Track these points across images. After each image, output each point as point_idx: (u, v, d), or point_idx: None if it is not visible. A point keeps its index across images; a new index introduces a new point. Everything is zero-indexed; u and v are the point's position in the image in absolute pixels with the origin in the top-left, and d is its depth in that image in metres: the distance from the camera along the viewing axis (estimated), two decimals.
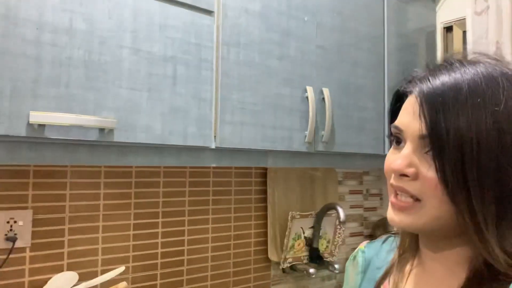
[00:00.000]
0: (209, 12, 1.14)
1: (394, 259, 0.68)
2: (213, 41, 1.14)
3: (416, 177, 0.54)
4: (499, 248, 0.50)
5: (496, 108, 0.50)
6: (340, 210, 1.49)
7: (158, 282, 1.34)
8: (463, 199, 0.50)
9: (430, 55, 1.79)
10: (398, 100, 0.62)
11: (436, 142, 0.51)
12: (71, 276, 1.12)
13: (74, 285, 1.10)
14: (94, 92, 0.94)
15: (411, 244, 0.66)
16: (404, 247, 0.67)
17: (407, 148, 0.55)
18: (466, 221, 0.51)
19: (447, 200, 0.51)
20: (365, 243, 0.79)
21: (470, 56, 0.58)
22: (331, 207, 1.57)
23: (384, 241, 0.75)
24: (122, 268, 1.13)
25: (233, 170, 1.53)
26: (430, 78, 0.55)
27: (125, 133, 0.98)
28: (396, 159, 0.55)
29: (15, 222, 1.10)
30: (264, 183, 1.60)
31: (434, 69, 0.57)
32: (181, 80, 1.08)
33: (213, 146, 1.13)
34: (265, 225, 1.60)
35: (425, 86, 0.55)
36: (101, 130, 0.95)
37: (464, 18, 1.70)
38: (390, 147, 0.62)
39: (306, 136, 1.31)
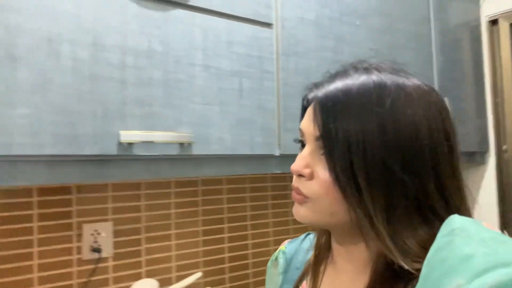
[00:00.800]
0: (268, 25, 1.18)
1: (311, 259, 0.69)
2: (273, 52, 1.19)
3: (311, 177, 0.57)
4: (392, 243, 0.51)
5: (381, 110, 0.52)
6: None
7: (227, 285, 1.40)
8: (354, 196, 0.52)
9: (475, 50, 1.79)
10: (306, 106, 0.64)
11: (327, 143, 0.55)
12: (152, 283, 1.19)
13: None
14: (172, 109, 1.00)
15: (325, 243, 0.67)
16: (319, 246, 0.68)
17: (306, 149, 0.59)
18: (359, 217, 0.53)
19: (341, 198, 0.54)
20: (286, 242, 0.80)
21: (373, 65, 0.60)
22: None
23: (303, 240, 0.76)
24: (199, 274, 1.18)
25: (288, 175, 1.57)
26: (325, 84, 0.59)
27: (201, 146, 1.04)
28: (296, 160, 0.59)
29: (98, 234, 1.17)
30: None
31: (330, 76, 0.61)
32: (247, 93, 1.13)
33: (277, 154, 1.18)
34: None
35: (320, 92, 0.58)
36: (181, 144, 1.00)
37: (511, 10, 1.70)
38: None
39: None
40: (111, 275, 1.19)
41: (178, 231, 1.31)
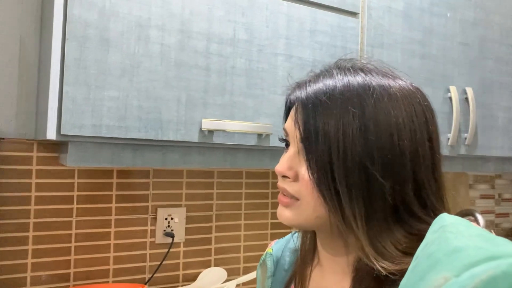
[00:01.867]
0: (354, 14, 1.13)
1: (298, 260, 0.68)
2: (358, 43, 1.13)
3: (296, 178, 0.56)
4: (371, 247, 0.51)
5: (362, 112, 0.52)
6: (480, 218, 1.41)
7: None
8: (333, 199, 0.52)
9: None
10: (290, 106, 0.62)
11: (308, 145, 0.54)
12: (220, 272, 1.19)
13: (224, 282, 1.16)
14: (253, 99, 0.98)
15: (310, 244, 0.67)
16: (304, 248, 0.68)
17: (290, 151, 0.58)
18: (338, 219, 0.52)
19: (322, 200, 0.53)
20: (272, 243, 0.79)
21: (358, 64, 0.59)
22: (468, 213, 1.49)
23: (289, 240, 0.75)
24: None
25: None
26: (308, 85, 0.58)
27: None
28: (280, 161, 0.58)
29: (172, 219, 1.18)
30: None
31: (313, 76, 0.60)
32: None
33: None
34: None
35: (302, 93, 0.57)
36: (259, 135, 0.98)
37: None
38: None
39: (449, 139, 1.25)
40: (181, 260, 1.20)
41: (247, 222, 1.30)
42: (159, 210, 1.17)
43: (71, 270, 1.07)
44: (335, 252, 0.59)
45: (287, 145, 0.61)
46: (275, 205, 1.35)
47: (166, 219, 1.18)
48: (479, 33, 1.34)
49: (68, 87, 0.80)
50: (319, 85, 0.56)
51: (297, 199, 0.56)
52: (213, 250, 1.25)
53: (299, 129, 0.55)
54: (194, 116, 0.91)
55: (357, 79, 0.55)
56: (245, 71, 0.97)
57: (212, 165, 0.96)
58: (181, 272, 1.20)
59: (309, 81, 0.59)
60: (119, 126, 0.84)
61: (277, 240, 0.79)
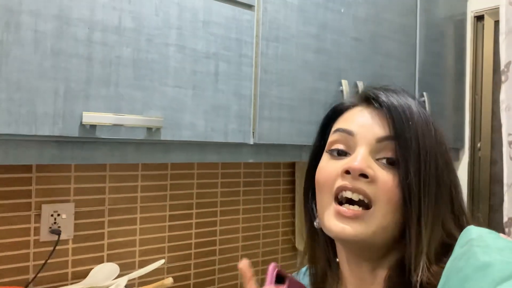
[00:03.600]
0: (249, 7, 1.12)
1: None
2: (253, 36, 1.13)
3: (374, 179, 0.54)
4: (426, 257, 0.51)
5: (431, 126, 0.57)
6: None
7: (192, 271, 1.37)
8: (416, 205, 0.52)
9: (458, 45, 1.77)
10: (331, 117, 0.63)
11: (403, 146, 0.53)
12: (112, 267, 1.15)
13: (116, 278, 1.12)
14: (142, 91, 0.94)
15: (331, 276, 0.64)
16: (317, 279, 0.66)
17: (362, 151, 0.55)
18: (413, 223, 0.52)
19: (398, 207, 0.53)
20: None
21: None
22: None
23: (304, 274, 0.72)
24: (162, 261, 1.15)
25: (263, 162, 1.54)
26: (383, 93, 0.58)
27: (171, 131, 0.99)
28: (352, 160, 0.55)
29: (58, 215, 1.11)
30: (293, 174, 1.61)
31: (376, 87, 0.61)
32: (223, 77, 1.07)
33: (251, 142, 1.13)
34: (293, 215, 1.62)
35: (383, 98, 0.57)
36: (149, 129, 0.95)
37: (497, 8, 1.67)
38: (312, 157, 0.64)
39: None
40: (70, 257, 1.14)
41: (144, 215, 1.27)
42: (44, 207, 1.10)
43: None
44: (366, 276, 0.58)
45: (339, 153, 0.58)
46: (173, 197, 1.33)
47: (52, 215, 1.11)
48: (371, 29, 1.41)
49: None
50: (395, 96, 0.57)
51: (368, 208, 0.53)
52: (105, 246, 1.20)
53: (391, 128, 0.54)
54: (74, 109, 0.86)
55: (412, 96, 0.60)
56: (132, 61, 0.93)
57: (98, 161, 0.91)
58: (70, 270, 1.14)
59: (380, 91, 0.59)
60: None
61: (293, 273, 0.75)
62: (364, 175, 0.53)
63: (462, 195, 0.57)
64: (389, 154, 0.55)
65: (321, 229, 0.60)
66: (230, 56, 1.09)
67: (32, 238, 1.09)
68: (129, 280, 1.13)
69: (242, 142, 1.11)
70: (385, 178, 0.53)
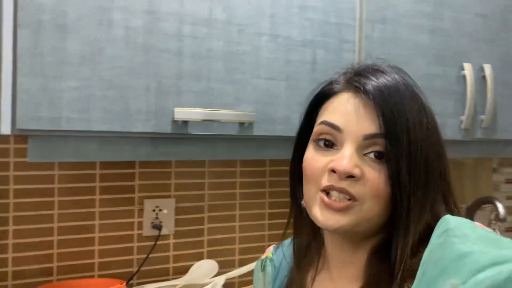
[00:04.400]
0: None
1: (294, 267, 0.66)
2: (356, 18, 1.02)
3: (361, 177, 0.52)
4: (411, 246, 0.50)
5: (424, 108, 0.55)
6: (500, 206, 1.29)
7: None
8: (405, 199, 0.51)
9: None
10: (317, 102, 0.60)
11: (392, 143, 0.51)
12: (212, 265, 1.13)
13: (215, 275, 1.11)
14: (233, 85, 0.90)
15: (315, 249, 0.64)
16: (302, 254, 0.65)
17: (349, 148, 0.53)
18: (402, 217, 0.51)
19: (385, 200, 0.52)
20: (271, 248, 0.75)
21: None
22: (487, 201, 1.37)
23: (289, 245, 0.71)
24: None
25: None
26: (368, 76, 0.55)
27: (264, 126, 0.93)
28: (339, 160, 0.52)
29: (160, 210, 1.13)
30: None
31: (365, 70, 0.57)
32: (321, 66, 0.98)
33: None
34: None
35: (369, 84, 0.54)
36: (241, 124, 0.90)
37: None
38: (298, 139, 0.62)
39: (462, 122, 1.13)
40: (171, 253, 1.16)
41: (243, 212, 1.24)
42: (146, 202, 1.12)
43: (54, 264, 1.04)
44: (352, 258, 0.58)
45: (327, 144, 0.56)
46: (272, 195, 1.28)
47: (153, 210, 1.13)
48: (500, 2, 1.19)
49: (22, 78, 0.74)
50: (383, 80, 0.54)
51: (355, 201, 0.53)
52: (205, 242, 1.19)
53: (381, 124, 0.52)
54: (165, 105, 0.84)
55: (405, 78, 0.56)
56: (223, 54, 0.89)
57: (190, 157, 0.90)
58: (171, 265, 1.16)
59: (368, 73, 0.55)
60: (81, 118, 0.78)
61: (275, 244, 0.75)
62: (351, 176, 0.52)
63: (450, 181, 0.56)
64: (377, 148, 0.53)
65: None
66: (329, 43, 0.99)
67: (135, 232, 1.12)
68: (228, 279, 1.11)
69: None
70: (373, 174, 0.52)
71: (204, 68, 0.87)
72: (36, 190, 1.03)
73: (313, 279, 0.63)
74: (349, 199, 0.53)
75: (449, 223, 0.46)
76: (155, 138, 0.86)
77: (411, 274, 0.48)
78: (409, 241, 0.50)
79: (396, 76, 0.55)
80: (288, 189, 1.29)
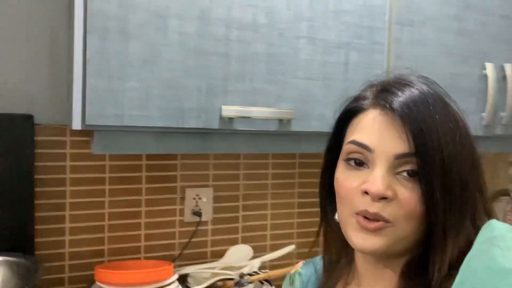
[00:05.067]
0: None
1: (323, 281, 0.66)
2: (386, 21, 1.09)
3: (394, 198, 0.51)
4: (449, 262, 0.49)
5: (455, 126, 0.53)
6: None
7: None
8: (441, 217, 0.50)
9: None
10: (344, 121, 0.59)
11: (425, 162, 0.50)
12: (246, 249, 1.23)
13: (250, 259, 1.20)
14: (274, 85, 0.98)
15: (345, 264, 0.63)
16: (330, 268, 0.65)
17: (381, 169, 0.52)
18: (438, 235, 0.50)
19: (420, 219, 0.51)
20: (301, 263, 0.75)
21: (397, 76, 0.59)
22: (504, 193, 1.44)
23: (318, 263, 0.71)
24: (292, 246, 1.19)
25: None
26: (396, 92, 0.54)
27: (301, 123, 1.01)
28: (371, 182, 0.51)
29: (200, 198, 1.22)
30: None
31: (391, 84, 0.56)
32: (353, 66, 1.06)
33: None
34: None
35: (396, 101, 0.52)
36: (280, 120, 0.98)
37: None
38: (326, 161, 0.61)
39: (483, 118, 1.20)
40: (209, 238, 1.25)
41: (274, 201, 1.33)
42: (187, 190, 1.21)
43: (105, 247, 1.14)
44: (383, 272, 0.58)
45: (358, 163, 0.55)
46: (301, 185, 1.36)
47: (194, 198, 1.22)
48: None
49: (91, 79, 0.83)
50: (411, 94, 0.53)
51: (388, 223, 0.52)
52: (240, 228, 1.29)
53: (410, 144, 0.51)
54: (214, 104, 0.92)
55: (431, 88, 0.55)
56: (265, 56, 0.97)
57: (234, 151, 0.98)
58: (209, 249, 1.25)
59: (393, 88, 0.55)
60: (141, 116, 0.87)
61: (306, 260, 0.77)
62: (384, 197, 0.51)
63: (487, 194, 0.55)
64: (409, 167, 0.51)
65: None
66: (362, 44, 1.06)
67: (177, 218, 1.21)
68: (262, 262, 1.20)
69: None
70: (406, 194, 0.51)
71: (248, 70, 0.95)
72: (89, 179, 1.12)
73: None
74: (384, 220, 0.52)
75: (494, 230, 0.45)
76: (204, 133, 0.94)
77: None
78: (447, 258, 0.50)
79: (425, 88, 0.54)
80: (315, 180, 1.37)
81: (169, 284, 1.01)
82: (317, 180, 1.40)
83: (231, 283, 1.08)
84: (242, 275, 1.07)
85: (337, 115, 0.61)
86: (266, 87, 0.97)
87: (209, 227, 1.25)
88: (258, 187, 1.31)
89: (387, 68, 1.09)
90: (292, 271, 0.75)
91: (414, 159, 0.51)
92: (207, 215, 1.24)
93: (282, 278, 1.25)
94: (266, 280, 1.12)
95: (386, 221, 0.51)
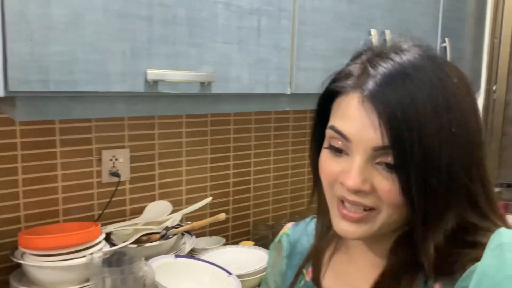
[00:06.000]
0: None
1: (314, 244, 0.67)
2: None
3: (372, 190, 0.51)
4: (434, 247, 0.50)
5: (448, 103, 0.49)
6: None
7: (231, 207, 1.52)
8: (422, 204, 0.49)
9: None
10: (328, 99, 0.56)
11: (401, 154, 0.48)
12: (165, 205, 1.29)
13: (170, 213, 1.27)
14: (195, 48, 1.02)
15: (331, 229, 0.64)
16: (322, 232, 0.66)
17: (358, 160, 0.50)
18: (418, 224, 0.50)
19: (403, 205, 0.50)
20: (289, 225, 0.77)
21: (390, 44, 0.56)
22: None
23: (308, 223, 0.73)
24: (210, 198, 1.29)
25: (291, 115, 1.64)
26: (376, 75, 0.50)
27: (220, 85, 1.08)
28: (348, 174, 0.51)
29: (116, 159, 1.24)
30: None
31: (373, 63, 0.52)
32: (264, 31, 1.14)
33: (288, 92, 1.23)
34: None
35: (374, 87, 0.50)
36: (202, 83, 1.04)
37: None
38: (313, 136, 0.60)
39: None
40: (128, 196, 1.29)
41: (188, 158, 1.40)
42: (104, 152, 1.22)
43: (21, 213, 1.11)
44: (372, 245, 0.59)
45: (337, 150, 0.53)
46: (213, 141, 1.45)
47: (110, 160, 1.23)
48: None
49: (11, 43, 0.79)
50: (393, 75, 0.50)
51: (371, 210, 0.52)
52: (157, 186, 1.34)
53: (387, 136, 0.48)
54: (139, 67, 0.94)
55: (427, 66, 0.51)
56: (186, 20, 1.00)
57: (159, 113, 1.02)
58: (128, 207, 1.29)
59: (373, 70, 0.51)
60: (66, 81, 0.86)
61: (294, 222, 0.77)
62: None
63: (486, 180, 0.53)
64: (387, 160, 0.50)
65: None
66: (271, 11, 1.15)
67: (95, 180, 1.22)
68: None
69: (280, 92, 1.20)
70: (385, 186, 0.50)
71: (170, 33, 0.98)
72: None
73: (330, 259, 0.64)
74: (365, 209, 0.52)
75: (503, 237, 0.44)
76: (129, 97, 0.96)
77: (441, 274, 0.50)
78: (430, 246, 0.50)
79: (417, 62, 0.50)
80: (225, 136, 1.46)
81: (98, 243, 1.04)
82: (228, 136, 1.50)
83: (156, 236, 1.14)
84: (167, 228, 1.14)
85: (323, 88, 0.59)
86: (188, 50, 1.01)
87: (127, 186, 1.28)
88: (173, 146, 1.36)
89: (292, 33, 1.20)
90: (281, 232, 0.76)
91: (391, 150, 0.49)
92: (124, 175, 1.26)
93: (204, 227, 1.36)
94: (187, 232, 1.21)
95: (369, 208, 0.52)
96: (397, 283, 0.53)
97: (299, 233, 0.73)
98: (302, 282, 0.67)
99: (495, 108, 1.91)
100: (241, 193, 1.55)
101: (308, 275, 0.67)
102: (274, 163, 1.62)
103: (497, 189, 1.74)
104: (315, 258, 0.66)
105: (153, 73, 0.95)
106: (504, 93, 1.88)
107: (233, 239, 1.55)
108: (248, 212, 1.57)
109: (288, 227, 0.76)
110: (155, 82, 0.97)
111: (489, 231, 0.49)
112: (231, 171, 1.51)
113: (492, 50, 1.89)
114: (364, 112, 0.50)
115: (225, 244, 1.40)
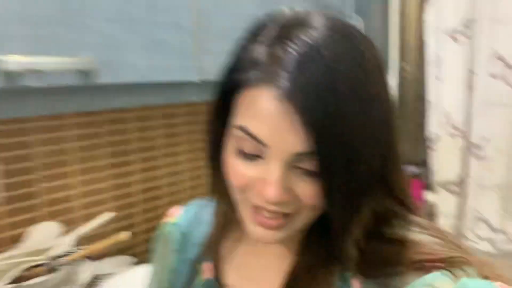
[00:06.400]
0: None
1: (212, 234, 0.60)
2: None
3: (293, 199, 0.46)
4: (351, 240, 0.48)
5: (373, 110, 0.44)
6: None
7: (141, 218, 1.32)
8: (343, 202, 0.46)
9: None
10: (230, 91, 0.47)
11: (326, 159, 0.43)
12: (51, 226, 1.05)
13: (58, 237, 1.03)
14: (70, 29, 0.80)
15: (232, 216, 0.56)
16: (224, 220, 0.60)
17: (277, 168, 0.44)
18: (335, 219, 0.47)
19: (321, 207, 0.47)
20: (176, 212, 0.67)
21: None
22: None
23: (202, 208, 0.65)
24: (111, 214, 1.07)
25: (204, 108, 1.46)
26: (289, 65, 0.42)
27: (108, 73, 0.87)
28: (265, 184, 0.45)
29: None
30: None
31: (282, 46, 0.43)
32: (161, 7, 0.96)
33: (196, 80, 1.05)
34: None
35: (290, 82, 0.42)
36: (82, 72, 0.83)
37: None
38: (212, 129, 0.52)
39: None
40: (6, 221, 1.03)
41: (82, 166, 1.16)
42: None
43: None
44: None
45: (249, 155, 0.46)
46: (114, 143, 1.23)
47: None
48: None
49: None
50: (312, 59, 0.41)
51: (289, 216, 0.47)
52: (43, 204, 1.09)
53: (309, 141, 0.42)
54: None
55: (346, 45, 0.44)
56: None
57: (28, 113, 0.80)
58: (7, 234, 1.03)
59: (287, 58, 0.42)
60: None
61: (182, 207, 0.66)
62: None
63: (399, 177, 0.51)
64: (309, 165, 0.44)
65: None
66: None
67: None
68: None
69: (186, 80, 1.03)
70: (307, 192, 0.45)
71: (34, 10, 0.75)
72: None
73: (232, 251, 0.58)
74: (284, 217, 0.47)
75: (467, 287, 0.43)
76: None
77: (360, 271, 0.48)
78: (347, 240, 0.48)
79: (329, 41, 0.43)
80: (126, 136, 1.26)
81: None
82: (131, 135, 1.29)
83: (41, 269, 0.91)
84: (54, 258, 0.91)
85: (222, 74, 0.49)
86: (59, 31, 0.79)
87: (5, 208, 1.02)
88: (59, 153, 1.12)
89: (195, 9, 1.03)
90: (165, 222, 0.65)
91: (314, 157, 0.43)
92: None
93: (108, 251, 1.13)
94: (87, 257, 0.99)
95: (287, 215, 0.47)
96: (313, 275, 0.51)
97: (191, 220, 0.64)
98: (201, 280, 0.59)
99: (407, 86, 1.90)
100: (151, 201, 1.35)
101: (207, 272, 0.59)
102: (187, 163, 1.44)
103: (412, 168, 1.73)
104: (214, 251, 0.59)
105: (13, 61, 0.72)
106: (415, 70, 1.88)
107: (145, 256, 1.34)
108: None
109: (175, 215, 0.66)
110: (17, 73, 0.74)
111: (405, 220, 0.50)
112: (138, 176, 1.30)
113: (401, 29, 1.87)
114: (282, 112, 0.42)
115: (137, 263, 1.20)
